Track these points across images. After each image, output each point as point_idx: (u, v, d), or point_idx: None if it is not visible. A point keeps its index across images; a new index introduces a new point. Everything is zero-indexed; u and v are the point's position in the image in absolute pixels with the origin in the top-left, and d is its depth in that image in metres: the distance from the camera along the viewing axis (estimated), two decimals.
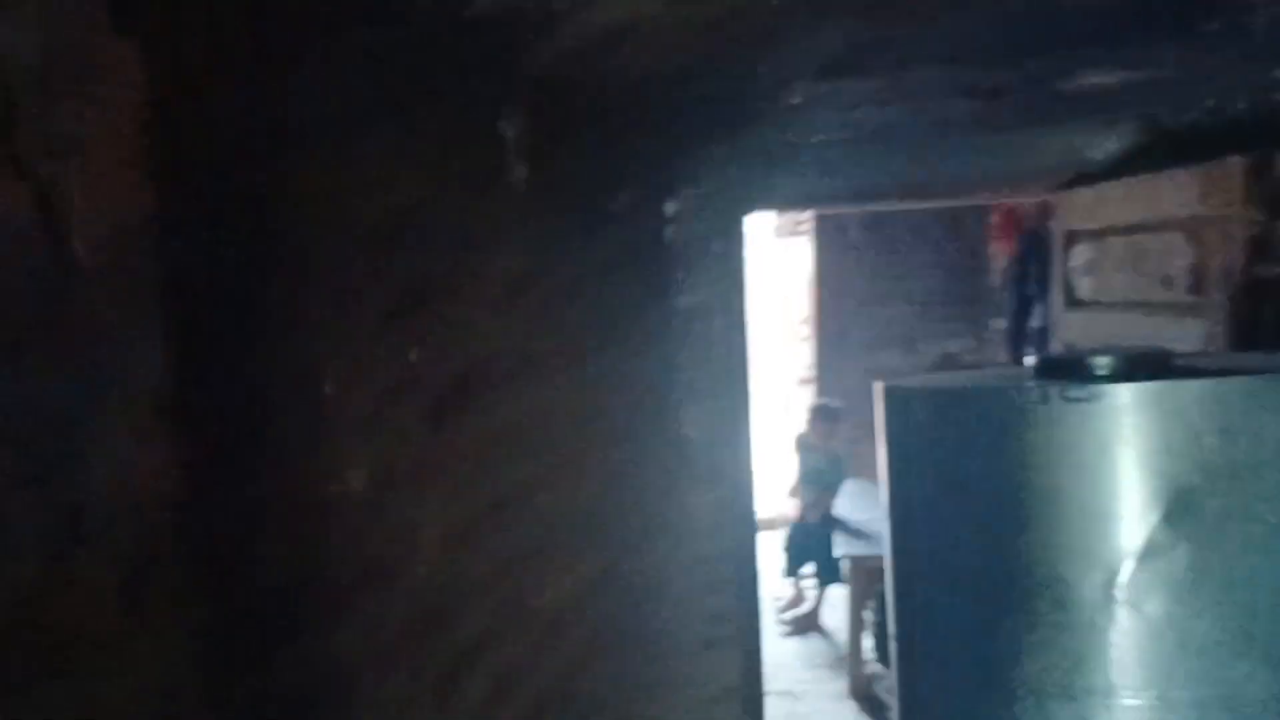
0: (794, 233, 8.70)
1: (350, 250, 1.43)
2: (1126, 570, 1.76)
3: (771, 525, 7.29)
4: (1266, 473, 1.74)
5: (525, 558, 2.19)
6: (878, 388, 2.21)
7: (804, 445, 6.88)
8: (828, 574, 6.60)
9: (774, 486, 7.21)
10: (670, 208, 3.32)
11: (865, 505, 6.46)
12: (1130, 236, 3.36)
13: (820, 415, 6.95)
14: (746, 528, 4.44)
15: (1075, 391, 1.81)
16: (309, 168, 1.32)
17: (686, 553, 3.85)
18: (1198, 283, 3.00)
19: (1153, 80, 2.59)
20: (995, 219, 7.10)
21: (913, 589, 2.11)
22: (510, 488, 2.10)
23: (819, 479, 6.69)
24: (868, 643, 5.74)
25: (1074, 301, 3.94)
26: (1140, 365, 1.89)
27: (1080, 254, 3.85)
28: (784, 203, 5.93)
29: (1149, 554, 1.75)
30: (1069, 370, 1.94)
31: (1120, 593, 1.77)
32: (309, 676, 1.36)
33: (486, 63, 1.85)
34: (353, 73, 1.43)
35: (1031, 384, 1.96)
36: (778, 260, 8.92)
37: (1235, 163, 2.79)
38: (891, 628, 2.24)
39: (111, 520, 0.99)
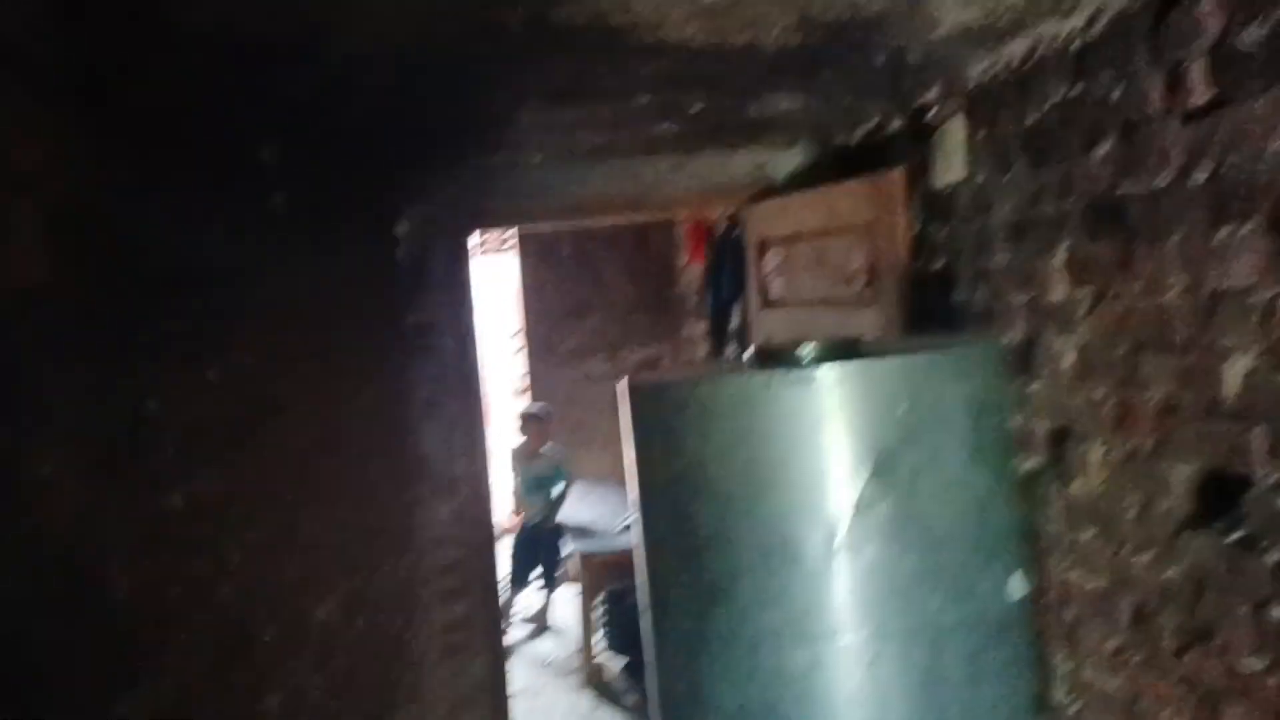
0: (500, 249, 8.92)
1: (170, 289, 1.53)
2: (844, 523, 2.07)
3: (503, 534, 7.46)
4: (946, 430, 2.10)
5: (305, 578, 2.28)
6: (622, 385, 2.45)
7: (521, 454, 7.06)
8: (553, 577, 6.86)
9: (503, 496, 7.37)
10: (401, 229, 3.44)
11: (588, 505, 6.73)
12: (814, 241, 3.75)
13: (530, 421, 7.13)
14: (484, 536, 4.59)
15: (789, 374, 2.11)
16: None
17: (429, 563, 3.97)
18: (872, 279, 3.41)
19: (828, 104, 2.97)
20: (687, 231, 7.52)
21: (663, 562, 2.36)
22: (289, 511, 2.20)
23: (539, 486, 6.89)
24: (597, 635, 6.01)
25: (768, 302, 4.31)
26: (837, 350, 2.23)
27: (771, 259, 4.22)
28: (502, 220, 6.10)
29: (861, 507, 2.07)
30: (781, 358, 2.25)
31: (840, 544, 2.08)
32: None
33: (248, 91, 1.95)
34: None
35: (752, 372, 2.27)
36: (487, 276, 9.11)
37: (896, 173, 3.19)
38: (643, 601, 2.48)
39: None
